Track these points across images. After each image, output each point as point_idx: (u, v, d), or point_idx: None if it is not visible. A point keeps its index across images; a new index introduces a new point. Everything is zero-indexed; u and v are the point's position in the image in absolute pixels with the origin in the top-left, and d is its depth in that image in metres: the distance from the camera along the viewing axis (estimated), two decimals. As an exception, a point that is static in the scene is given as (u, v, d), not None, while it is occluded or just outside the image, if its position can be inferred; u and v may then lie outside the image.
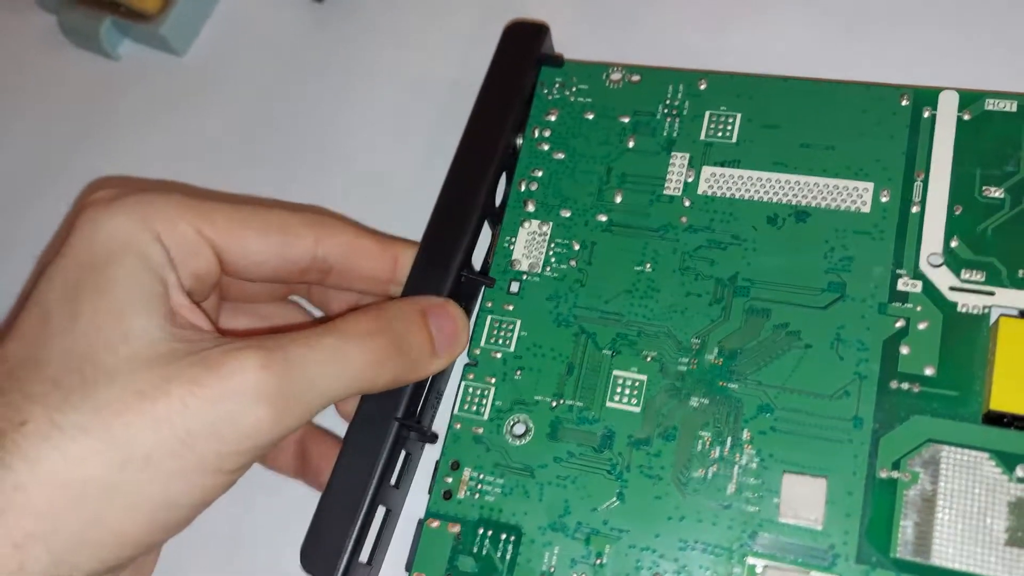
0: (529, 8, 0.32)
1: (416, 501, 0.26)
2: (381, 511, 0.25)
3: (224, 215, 0.24)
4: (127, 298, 0.22)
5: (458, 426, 0.25)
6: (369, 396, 0.24)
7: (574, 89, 0.28)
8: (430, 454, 0.26)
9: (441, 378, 0.26)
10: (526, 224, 0.27)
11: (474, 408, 0.26)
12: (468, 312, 0.27)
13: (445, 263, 0.26)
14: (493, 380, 0.26)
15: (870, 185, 0.25)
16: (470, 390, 0.26)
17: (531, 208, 0.27)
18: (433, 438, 0.26)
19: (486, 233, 0.28)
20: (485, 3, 0.33)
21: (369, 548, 0.24)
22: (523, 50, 0.28)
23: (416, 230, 0.27)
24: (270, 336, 0.22)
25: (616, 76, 0.28)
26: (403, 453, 0.25)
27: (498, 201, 0.28)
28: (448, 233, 0.26)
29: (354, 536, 0.23)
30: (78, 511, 0.20)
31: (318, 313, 0.29)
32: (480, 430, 0.25)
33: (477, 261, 0.28)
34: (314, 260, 0.25)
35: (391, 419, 0.24)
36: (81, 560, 0.20)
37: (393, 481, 0.25)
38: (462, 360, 0.26)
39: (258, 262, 0.24)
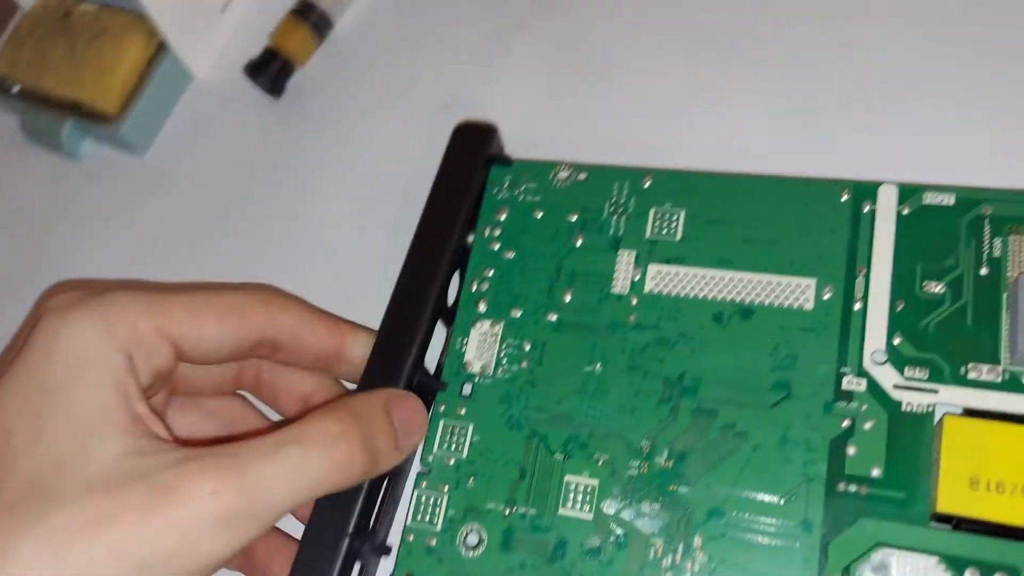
0: (486, 104, 0.32)
1: (373, 612, 0.26)
2: None
3: (180, 306, 0.24)
4: (88, 418, 0.22)
5: (411, 537, 0.25)
6: (321, 510, 0.24)
7: (523, 188, 0.29)
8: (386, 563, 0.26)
9: (398, 484, 0.26)
10: (478, 324, 0.27)
11: (427, 518, 0.25)
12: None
13: (397, 366, 0.26)
14: (446, 488, 0.26)
15: (812, 281, 0.25)
16: (423, 499, 0.26)
17: (483, 308, 0.28)
18: (386, 550, 0.26)
19: (440, 333, 0.28)
20: (441, 99, 0.33)
21: None
22: (472, 151, 0.29)
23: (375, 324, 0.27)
24: (227, 448, 0.22)
25: (563, 174, 0.29)
26: (357, 565, 0.25)
27: (451, 300, 0.28)
28: (400, 336, 0.26)
29: None
30: None
31: (265, 408, 0.29)
32: (433, 541, 0.25)
33: (432, 361, 0.28)
34: (263, 338, 0.26)
35: (343, 535, 0.24)
36: None
37: None
38: (415, 468, 0.26)
39: (214, 347, 0.25)
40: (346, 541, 0.24)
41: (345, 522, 0.24)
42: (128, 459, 0.21)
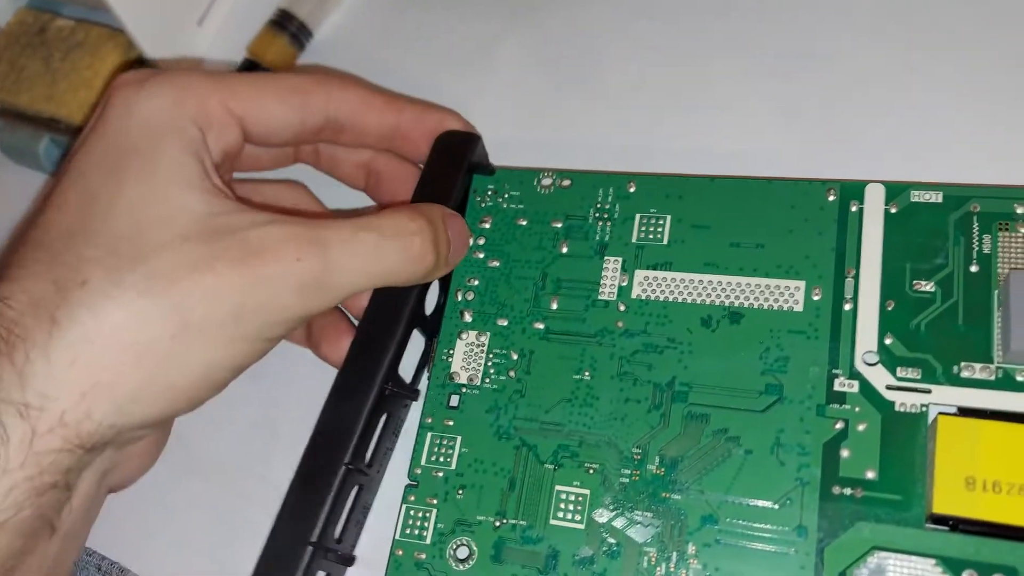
0: (468, 111, 0.32)
1: (363, 630, 0.25)
2: None
3: (246, 85, 0.25)
4: (169, 179, 0.23)
5: (400, 552, 0.25)
6: (284, 516, 0.24)
7: (506, 196, 0.28)
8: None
9: (368, 492, 0.26)
10: (464, 335, 0.27)
11: (416, 532, 0.25)
12: (397, 427, 0.27)
13: (370, 374, 0.25)
14: (435, 501, 0.25)
15: (801, 283, 0.25)
16: (412, 513, 0.25)
17: (468, 318, 0.27)
18: (350, 560, 0.25)
19: (418, 342, 0.27)
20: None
21: None
22: (454, 158, 0.28)
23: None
24: (311, 222, 0.24)
25: (547, 181, 0.28)
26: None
27: (429, 309, 0.28)
28: (374, 344, 0.26)
29: None
30: (140, 368, 0.22)
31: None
32: (423, 555, 0.25)
33: (408, 371, 0.27)
34: (327, 119, 0.27)
35: (305, 543, 0.23)
36: (137, 411, 0.22)
37: None
38: (403, 481, 0.26)
39: (279, 127, 0.26)
40: (308, 550, 0.23)
41: (308, 531, 0.24)
42: (217, 217, 0.23)
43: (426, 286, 0.27)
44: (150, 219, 0.23)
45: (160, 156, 0.23)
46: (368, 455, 0.25)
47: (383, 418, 0.26)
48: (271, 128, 0.26)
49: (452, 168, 0.28)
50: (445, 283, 0.28)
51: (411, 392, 0.27)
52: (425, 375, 0.27)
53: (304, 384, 0.29)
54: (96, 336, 0.21)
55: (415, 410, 0.27)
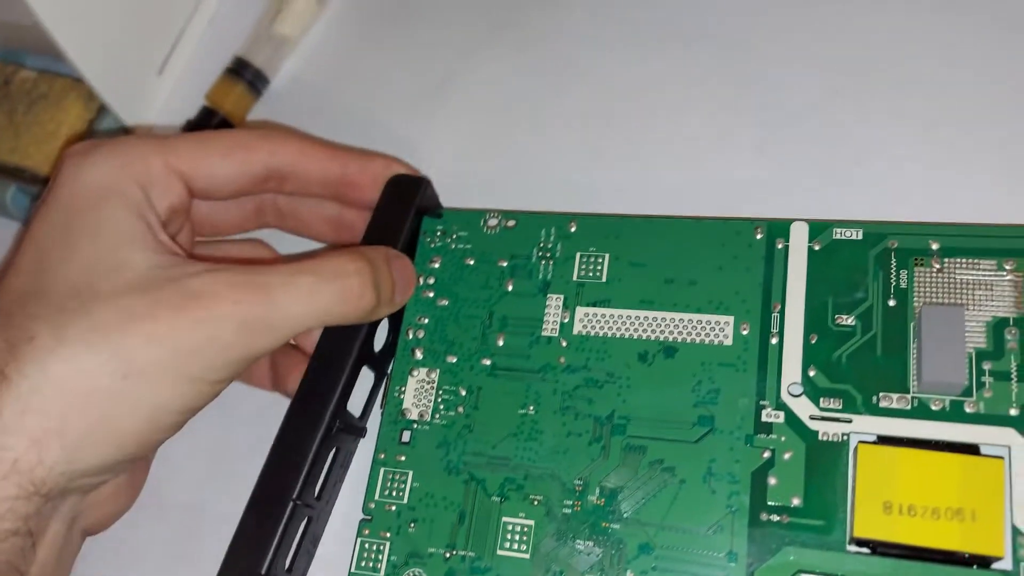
0: (420, 154, 0.33)
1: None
2: None
3: (187, 145, 0.27)
4: (114, 238, 0.25)
5: (355, 584, 0.26)
6: (236, 547, 0.25)
7: (455, 236, 0.30)
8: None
9: (317, 524, 0.27)
10: (415, 372, 0.28)
11: (370, 565, 0.26)
12: (346, 460, 0.28)
13: (319, 411, 0.26)
14: (388, 534, 0.26)
15: (731, 319, 0.26)
16: (366, 546, 0.26)
17: (419, 355, 0.28)
18: None
19: (368, 378, 0.29)
20: (378, 150, 0.34)
21: None
22: (403, 202, 0.29)
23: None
24: (249, 267, 0.25)
25: (493, 222, 0.29)
26: None
27: (379, 346, 0.29)
28: (323, 380, 0.27)
29: None
30: (87, 414, 0.23)
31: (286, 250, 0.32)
32: (377, 587, 0.26)
33: (358, 406, 0.28)
34: (269, 169, 0.28)
35: (256, 572, 0.24)
36: (89, 456, 0.23)
37: None
38: (357, 516, 0.27)
39: (223, 180, 0.28)
40: None
41: (258, 564, 0.24)
42: (158, 270, 0.24)
43: (375, 324, 0.28)
44: (96, 275, 0.24)
45: (105, 218, 0.25)
46: (317, 489, 0.26)
47: (331, 453, 0.27)
48: (215, 182, 0.27)
49: (400, 211, 0.29)
50: (395, 321, 0.29)
51: (358, 431, 0.28)
52: (378, 410, 0.28)
53: (264, 422, 0.30)
54: (44, 387, 0.22)
55: (366, 444, 0.28)
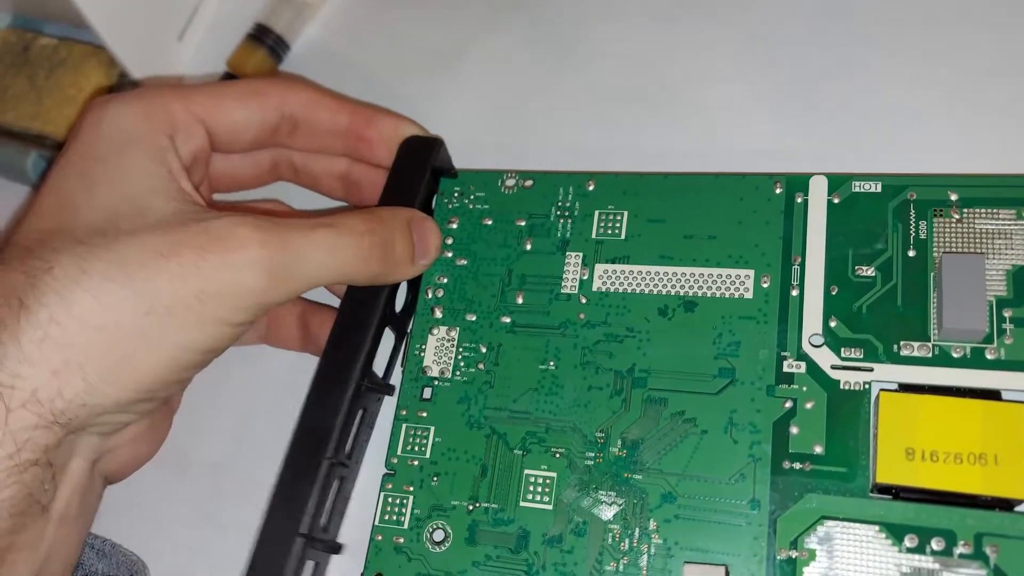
0: (440, 116, 0.33)
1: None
2: None
3: (206, 92, 0.27)
4: (140, 182, 0.25)
5: (379, 537, 0.26)
6: (274, 509, 0.25)
7: (472, 197, 0.30)
8: (347, 564, 0.27)
9: (348, 482, 0.27)
10: (435, 331, 0.28)
11: (394, 518, 0.26)
12: (371, 419, 0.28)
13: (346, 371, 0.26)
14: (411, 488, 0.26)
15: (751, 272, 0.26)
16: (389, 500, 0.26)
17: (438, 314, 0.28)
18: (338, 548, 0.26)
19: (389, 339, 0.29)
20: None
21: None
22: (418, 163, 0.30)
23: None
24: (269, 218, 0.25)
25: (510, 182, 0.30)
26: (310, 564, 0.26)
27: (399, 307, 0.29)
28: (349, 343, 0.27)
29: None
30: (108, 349, 0.23)
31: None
32: (401, 540, 0.26)
33: (380, 366, 0.29)
34: (282, 116, 0.28)
35: (294, 536, 0.25)
36: (111, 391, 0.23)
37: None
38: (380, 470, 0.27)
39: (241, 126, 0.28)
40: (299, 541, 0.25)
41: (297, 522, 0.25)
42: (184, 214, 0.24)
43: (396, 285, 0.28)
44: (119, 217, 0.24)
45: (128, 164, 0.25)
46: (347, 448, 0.27)
47: (360, 412, 0.27)
48: (233, 128, 0.28)
49: (416, 172, 0.29)
50: (414, 283, 0.29)
51: (385, 387, 0.28)
52: (398, 369, 0.29)
53: (280, 384, 0.31)
54: (64, 318, 0.22)
55: (388, 403, 0.29)
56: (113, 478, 0.27)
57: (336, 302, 0.28)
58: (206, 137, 0.27)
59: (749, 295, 0.26)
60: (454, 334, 0.28)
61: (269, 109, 0.28)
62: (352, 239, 0.26)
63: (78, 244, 0.23)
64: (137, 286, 0.23)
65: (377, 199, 0.30)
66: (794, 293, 0.26)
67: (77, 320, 0.22)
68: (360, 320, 0.27)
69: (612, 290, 0.27)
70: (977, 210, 0.25)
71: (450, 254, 0.29)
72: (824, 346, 0.25)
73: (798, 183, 0.27)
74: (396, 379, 0.29)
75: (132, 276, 0.23)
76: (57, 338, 0.22)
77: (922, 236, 0.25)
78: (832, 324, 0.25)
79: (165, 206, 0.24)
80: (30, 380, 0.22)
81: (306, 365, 0.29)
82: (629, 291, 0.27)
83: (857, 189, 0.26)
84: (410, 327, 0.29)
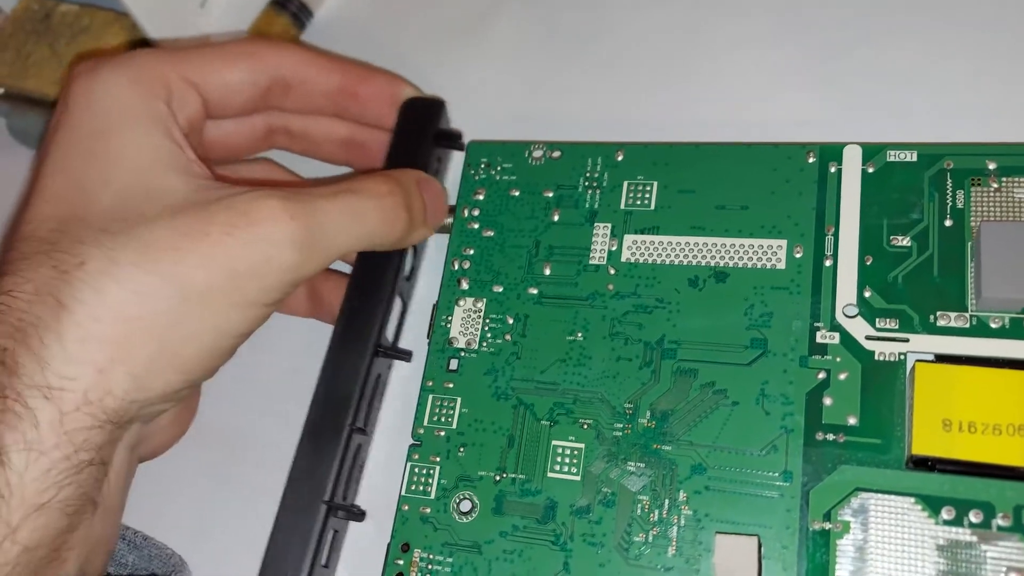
0: (464, 86, 0.33)
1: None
2: None
3: (198, 54, 0.26)
4: (149, 160, 0.24)
5: (406, 507, 0.26)
6: (297, 479, 0.25)
7: (499, 168, 0.29)
8: (373, 534, 0.27)
9: (364, 450, 0.27)
10: (461, 302, 0.28)
11: (421, 488, 0.26)
12: (383, 387, 0.28)
13: (364, 340, 0.26)
14: (438, 459, 0.26)
15: (783, 242, 0.26)
16: (416, 470, 0.26)
17: (465, 286, 0.28)
18: (361, 516, 0.26)
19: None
20: (423, 83, 0.34)
21: None
22: (421, 124, 0.29)
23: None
24: (291, 189, 0.24)
25: (538, 153, 0.29)
26: (332, 532, 0.26)
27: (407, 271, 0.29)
28: (364, 310, 0.27)
29: None
30: (149, 340, 0.22)
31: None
32: (428, 510, 0.26)
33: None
34: (274, 79, 0.27)
35: (318, 503, 0.25)
36: (157, 383, 0.23)
37: (324, 561, 0.25)
38: (407, 441, 0.27)
39: (234, 88, 0.27)
40: (323, 509, 0.25)
41: (321, 490, 0.25)
42: (201, 191, 0.23)
43: (405, 251, 0.28)
44: (137, 200, 0.23)
45: (133, 141, 0.24)
46: (364, 415, 0.26)
47: (375, 379, 0.27)
48: (227, 91, 0.27)
49: (420, 134, 0.29)
50: (417, 247, 0.29)
51: (402, 353, 0.28)
52: (407, 335, 0.28)
53: (300, 350, 0.30)
54: (102, 313, 0.22)
55: (406, 375, 0.29)
56: (147, 458, 0.27)
57: (342, 267, 0.28)
58: (200, 103, 0.26)
59: (781, 265, 0.26)
60: (481, 305, 0.28)
61: (260, 70, 0.27)
62: (376, 202, 0.25)
63: (102, 233, 0.22)
64: (168, 272, 0.22)
65: (382, 162, 0.29)
66: (827, 263, 0.25)
67: (114, 314, 0.22)
68: (375, 285, 0.27)
69: (641, 261, 0.27)
70: (1016, 179, 0.24)
71: (476, 225, 0.29)
72: (858, 316, 0.24)
73: (832, 152, 0.26)
74: (404, 345, 0.29)
75: (161, 262, 0.22)
76: (99, 335, 0.21)
77: (959, 206, 0.25)
78: (867, 294, 0.25)
79: (180, 183, 0.24)
80: (79, 381, 0.21)
81: (317, 330, 0.29)
82: (659, 262, 0.27)
83: (892, 159, 0.26)
84: (436, 299, 0.29)
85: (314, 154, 0.31)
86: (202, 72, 0.26)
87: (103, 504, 0.23)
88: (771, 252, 0.26)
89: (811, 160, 0.26)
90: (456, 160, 0.31)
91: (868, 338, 0.24)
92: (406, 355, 0.28)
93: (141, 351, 0.22)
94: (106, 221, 0.23)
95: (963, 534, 0.22)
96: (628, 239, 0.27)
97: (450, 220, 0.29)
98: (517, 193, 0.29)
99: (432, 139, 0.29)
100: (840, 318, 0.25)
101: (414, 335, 0.29)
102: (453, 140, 0.30)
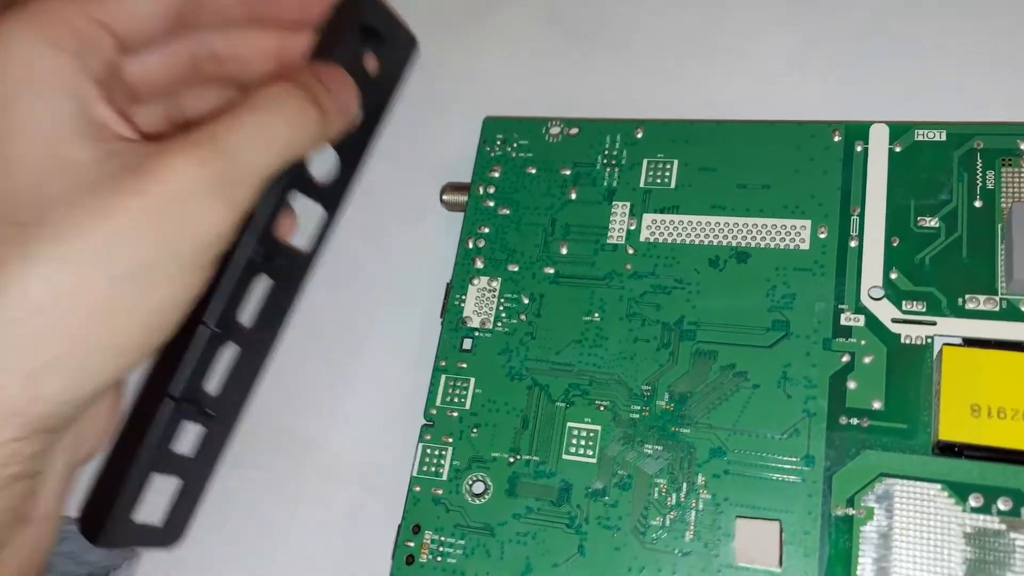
0: (478, 63, 0.32)
1: (380, 567, 0.26)
2: (171, 479, 0.26)
3: None
4: (51, 130, 0.22)
5: (417, 488, 0.25)
6: (148, 376, 0.25)
7: (515, 145, 0.29)
8: (385, 516, 0.26)
9: (252, 354, 0.27)
10: (475, 281, 0.27)
11: (433, 469, 0.25)
12: (289, 295, 0.28)
13: (237, 240, 0.25)
14: (450, 440, 0.26)
15: (807, 222, 0.25)
16: (428, 451, 0.26)
17: (480, 264, 0.28)
18: (228, 423, 0.27)
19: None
20: (432, 62, 0.33)
21: (162, 514, 0.26)
22: (346, 19, 0.27)
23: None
24: (194, 128, 0.22)
25: (555, 130, 0.29)
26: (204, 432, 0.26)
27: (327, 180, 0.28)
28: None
29: (124, 495, 0.24)
30: (82, 334, 0.20)
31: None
32: (440, 491, 0.25)
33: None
34: None
35: (163, 395, 0.24)
36: (92, 378, 0.21)
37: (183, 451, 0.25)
38: (420, 421, 0.26)
39: (145, 19, 0.25)
40: (169, 403, 0.24)
41: (166, 383, 0.24)
42: (106, 161, 0.22)
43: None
44: (45, 177, 0.21)
45: (36, 107, 0.22)
46: (242, 318, 0.26)
47: (268, 284, 0.27)
48: (139, 21, 0.24)
49: (342, 29, 0.27)
50: (346, 151, 0.28)
51: (290, 252, 0.27)
52: (438, 319, 0.28)
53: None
54: (24, 316, 0.20)
55: (420, 355, 0.28)
56: (80, 463, 0.24)
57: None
58: (113, 44, 0.24)
59: (805, 246, 0.25)
60: (495, 284, 0.27)
61: None
62: (279, 108, 0.23)
63: (13, 227, 0.20)
64: (89, 260, 0.20)
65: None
66: (853, 244, 0.25)
67: (40, 314, 0.20)
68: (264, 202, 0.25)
69: (660, 240, 0.26)
70: (1049, 159, 0.24)
71: (492, 203, 0.28)
72: (884, 298, 0.24)
73: (858, 131, 0.26)
74: (438, 326, 0.28)
75: (79, 248, 0.20)
76: (24, 339, 0.20)
77: (989, 186, 0.24)
78: (893, 276, 0.24)
79: (88, 152, 0.21)
80: (5, 390, 0.20)
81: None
82: (678, 242, 0.26)
83: (920, 138, 0.25)
84: (450, 279, 0.28)
85: (247, 77, 0.28)
86: (108, 7, 0.24)
87: (38, 513, 0.22)
88: (794, 232, 0.25)
89: (836, 139, 0.26)
90: (466, 130, 0.30)
91: (894, 321, 0.24)
92: (299, 258, 0.28)
93: (73, 348, 0.21)
94: (16, 212, 0.21)
95: (991, 522, 0.21)
96: (647, 218, 0.27)
97: (464, 198, 0.29)
98: (533, 171, 0.28)
99: (357, 34, 0.27)
100: (865, 300, 0.24)
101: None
102: (382, 35, 0.28)
